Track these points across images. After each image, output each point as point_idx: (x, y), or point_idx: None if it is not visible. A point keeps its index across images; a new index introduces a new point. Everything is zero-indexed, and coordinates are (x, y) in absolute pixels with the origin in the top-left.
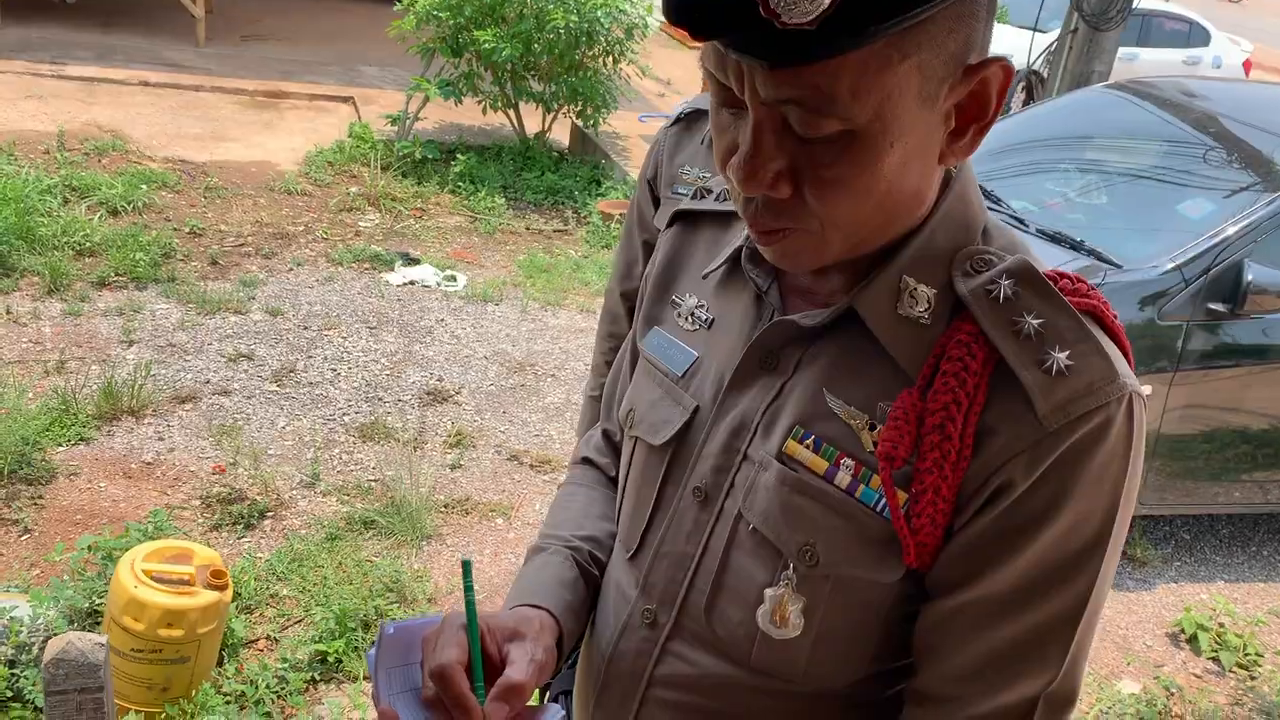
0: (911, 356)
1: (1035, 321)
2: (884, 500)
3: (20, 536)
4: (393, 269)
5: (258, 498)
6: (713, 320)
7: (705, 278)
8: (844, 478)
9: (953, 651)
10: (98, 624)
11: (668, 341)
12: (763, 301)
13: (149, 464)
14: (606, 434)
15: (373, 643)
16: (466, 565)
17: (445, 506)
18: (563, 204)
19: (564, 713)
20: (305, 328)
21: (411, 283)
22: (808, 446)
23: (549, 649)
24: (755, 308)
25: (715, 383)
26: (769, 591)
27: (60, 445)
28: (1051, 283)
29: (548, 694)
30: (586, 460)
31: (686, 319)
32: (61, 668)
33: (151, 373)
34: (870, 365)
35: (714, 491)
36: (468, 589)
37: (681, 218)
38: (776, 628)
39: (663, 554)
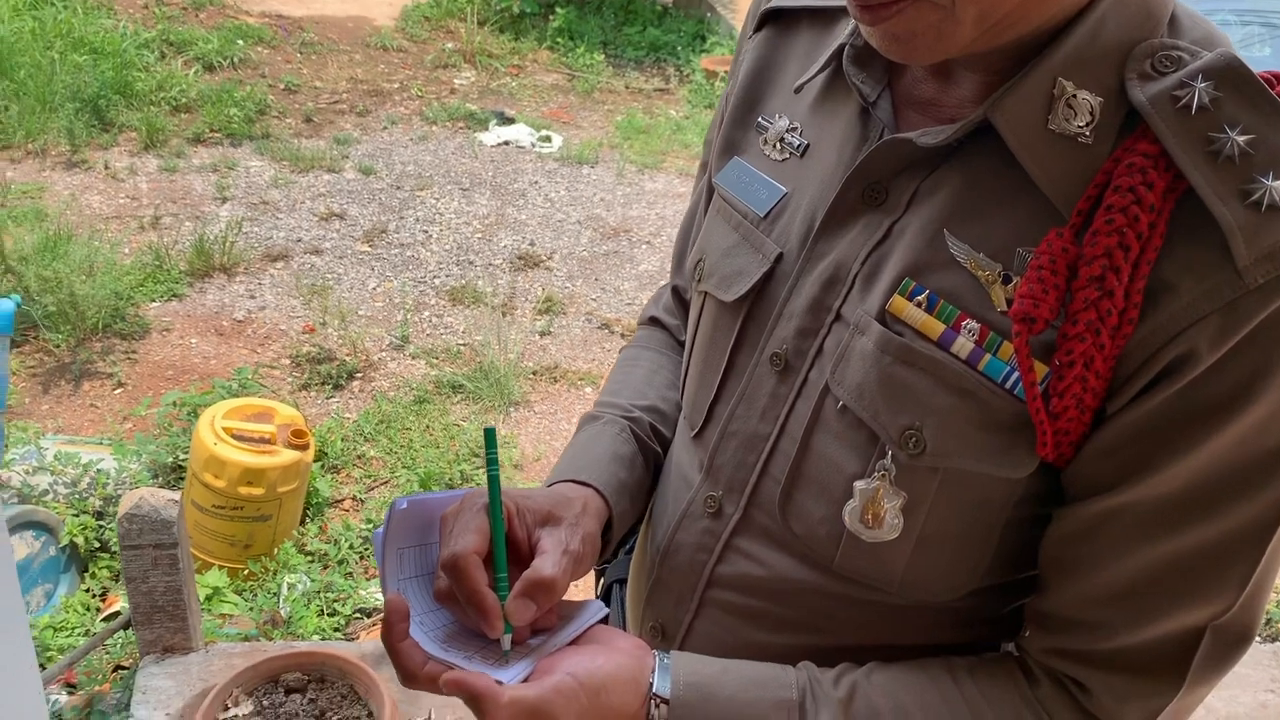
0: (1064, 186)
1: (1241, 139)
2: (1016, 374)
3: (113, 390)
4: (487, 128)
5: (347, 358)
6: (806, 147)
7: (799, 91)
8: (964, 345)
9: (1097, 567)
10: (182, 479)
11: (749, 174)
12: (870, 117)
13: (240, 322)
14: (676, 291)
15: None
16: (489, 433)
17: (533, 373)
18: (665, 61)
19: (606, 611)
20: (398, 188)
21: (506, 143)
22: (919, 304)
23: (589, 537)
24: (860, 126)
25: (805, 224)
26: (860, 485)
27: (153, 301)
28: (1268, 86)
29: (601, 582)
30: (653, 321)
31: (774, 146)
32: (135, 523)
33: (244, 230)
34: (1008, 199)
35: (796, 360)
36: (490, 462)
37: (774, 18)
38: (868, 528)
39: (731, 432)
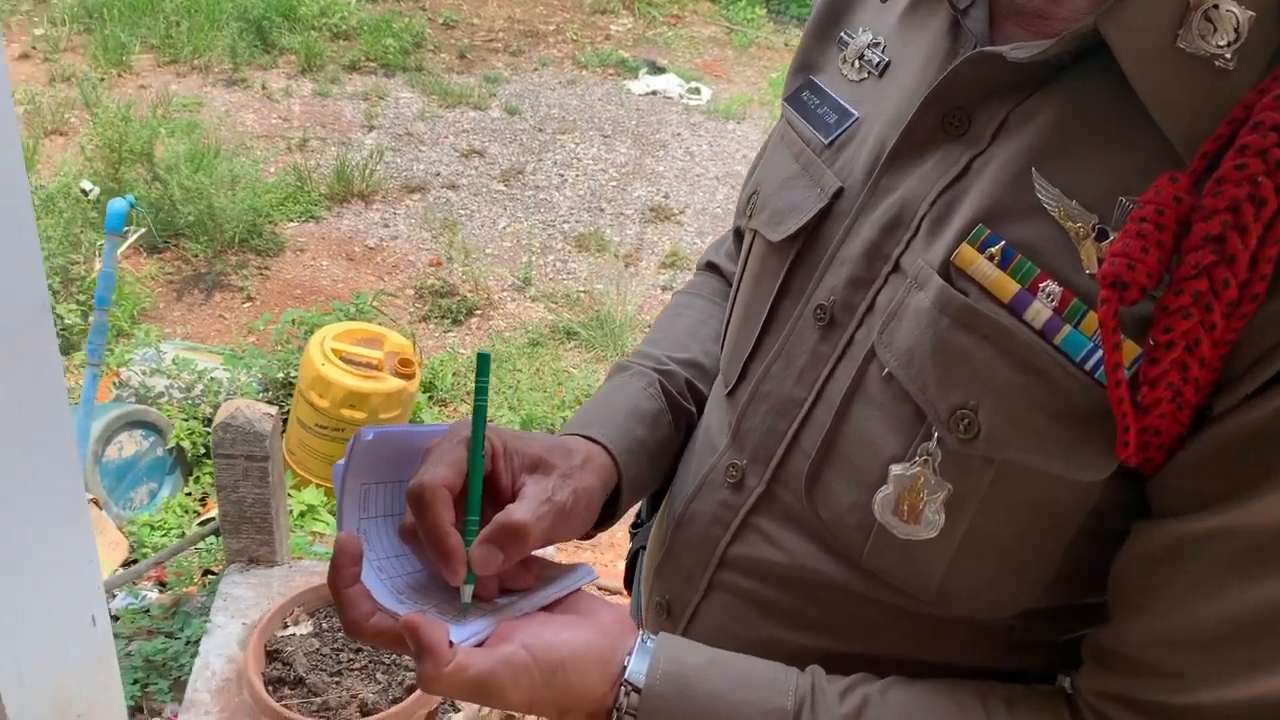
0: (1188, 121)
1: None
2: (1099, 352)
3: (242, 303)
4: (637, 77)
5: (468, 295)
6: (886, 65)
7: (886, 1)
8: (1040, 311)
9: (1178, 602)
10: (291, 395)
11: (820, 96)
12: (960, 30)
13: (371, 249)
14: (739, 234)
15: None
16: (482, 359)
17: (649, 326)
18: None
19: (593, 577)
20: (540, 130)
21: (653, 93)
22: (991, 257)
23: (584, 493)
24: (948, 40)
25: (872, 154)
26: (896, 469)
27: (291, 220)
28: None
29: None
30: (710, 267)
31: (852, 65)
32: (229, 432)
33: (386, 159)
34: (1114, 136)
35: (843, 314)
36: (479, 391)
37: None
38: (902, 522)
39: (763, 394)
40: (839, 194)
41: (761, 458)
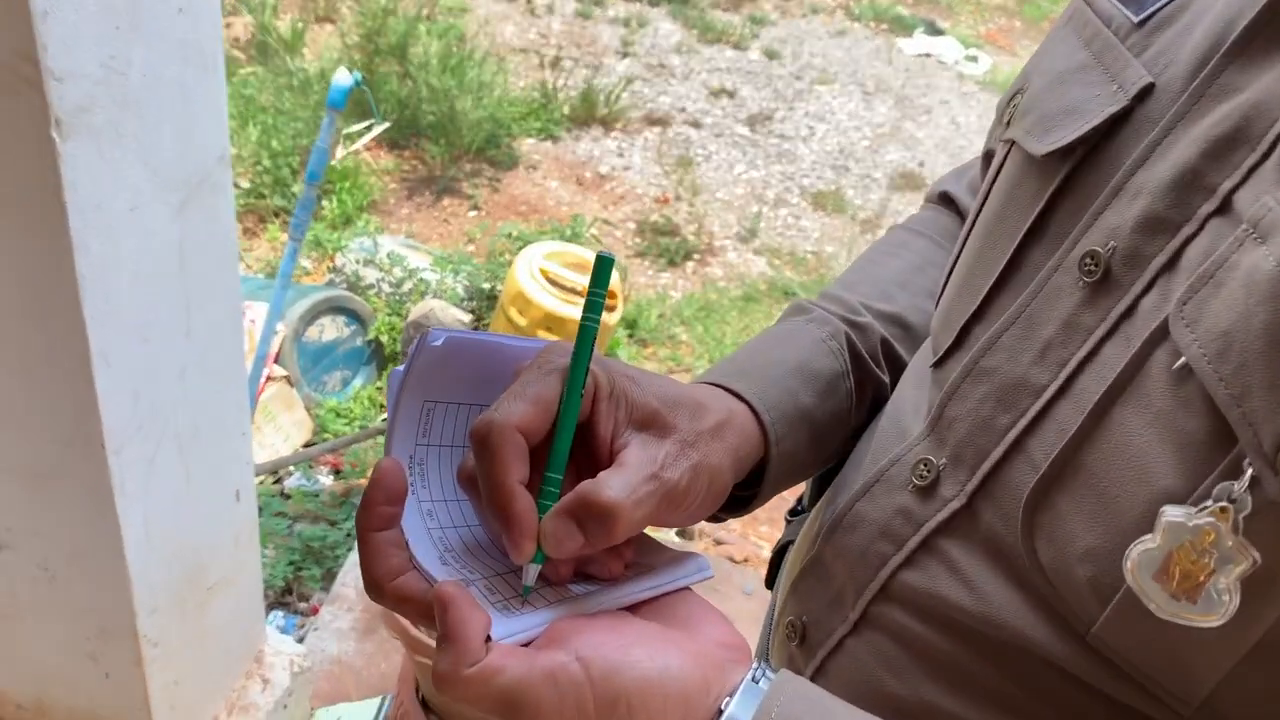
0: None
1: None
2: None
3: (468, 211)
4: (911, 36)
5: (690, 237)
6: None
7: None
8: None
9: None
10: (494, 307)
11: None
12: None
13: (601, 176)
14: (989, 158)
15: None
16: (604, 262)
17: None
18: None
19: (708, 573)
20: (797, 77)
21: (927, 55)
22: None
23: (709, 470)
24: None
25: (1207, 41)
26: (1173, 514)
27: (529, 137)
28: None
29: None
30: (944, 199)
31: None
32: (419, 330)
33: (633, 88)
34: None
35: (1124, 269)
36: (591, 304)
37: None
38: (1168, 595)
39: (985, 370)
40: (1146, 93)
41: (968, 459)
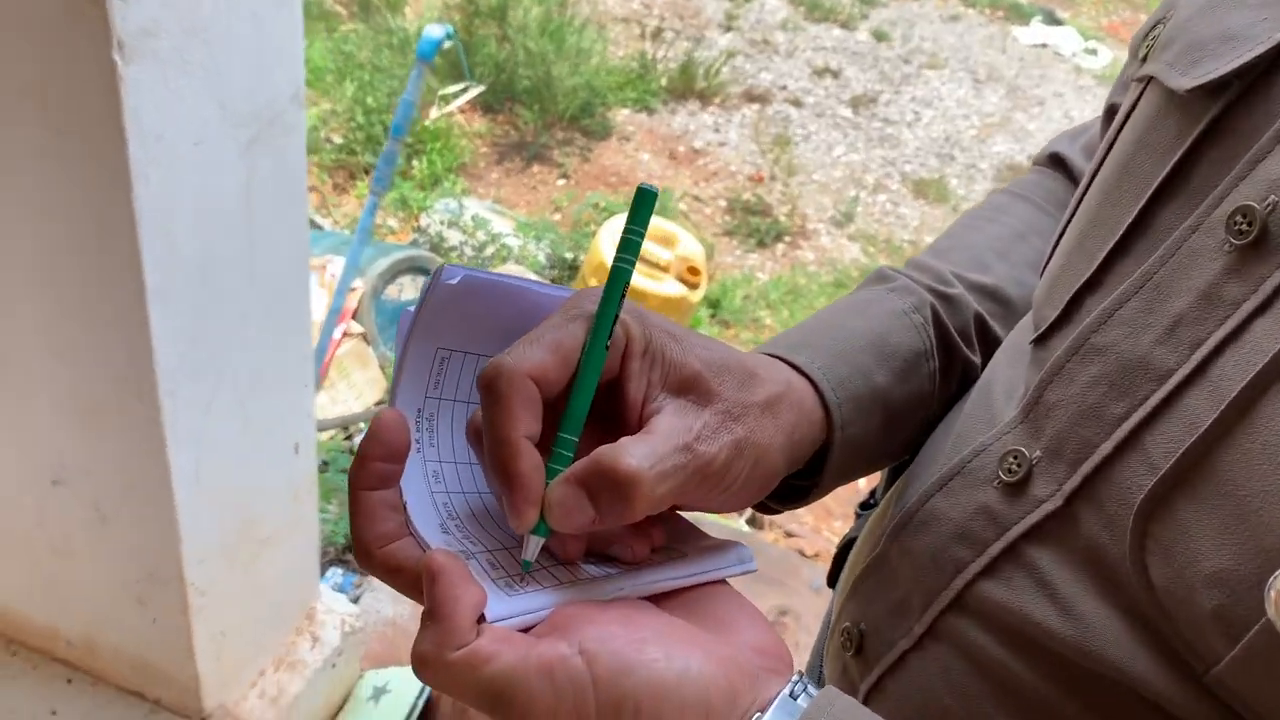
0: None
1: None
2: None
3: (557, 179)
4: (1028, 25)
5: (782, 218)
6: None
7: None
8: None
9: None
10: (574, 277)
11: None
12: None
13: (695, 151)
14: (1112, 114)
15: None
16: (646, 195)
17: None
18: None
19: (750, 565)
20: (906, 61)
21: (1043, 45)
22: None
23: (750, 447)
24: None
25: None
26: None
27: (624, 107)
28: None
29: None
30: (1055, 161)
31: None
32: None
33: (734, 63)
34: None
35: None
36: (625, 243)
37: None
38: None
39: (1097, 348)
40: None
41: (1068, 453)
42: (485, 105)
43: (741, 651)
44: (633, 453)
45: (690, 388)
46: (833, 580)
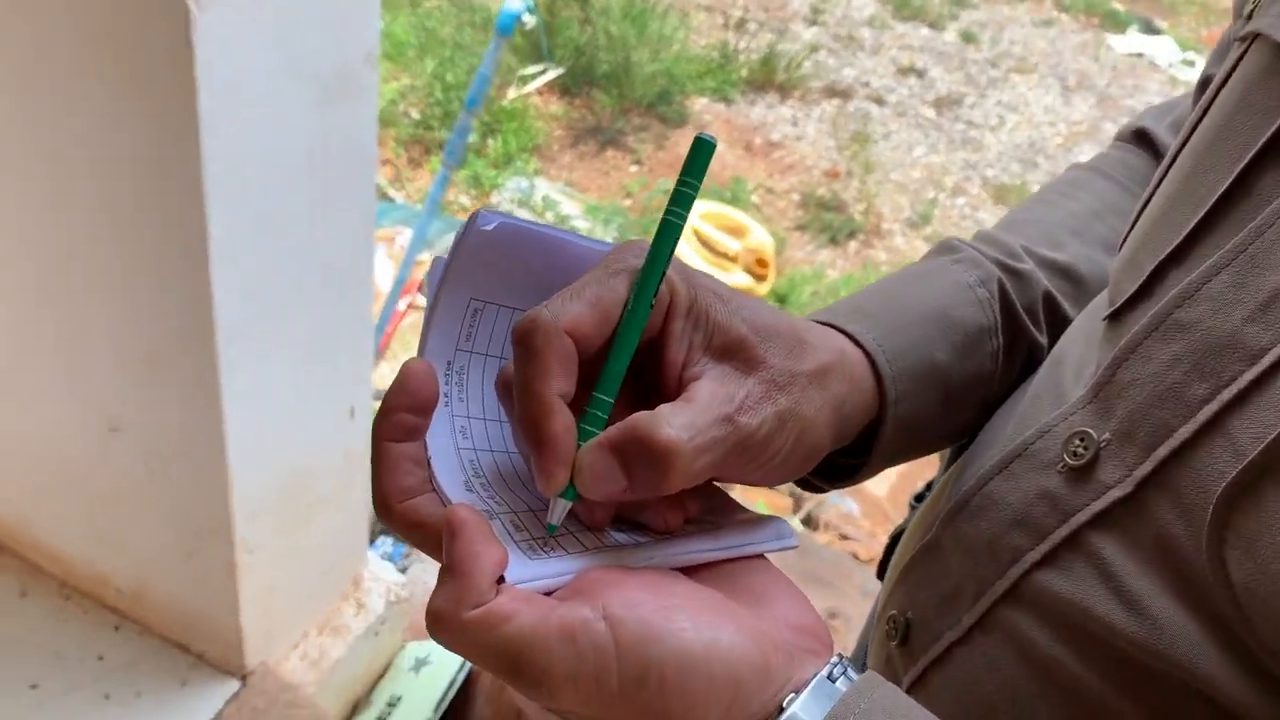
0: None
1: None
2: None
3: (630, 165)
4: (1124, 33)
5: (857, 216)
6: None
7: None
8: None
9: None
10: None
11: None
12: None
13: (771, 143)
14: (1205, 86)
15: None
16: (705, 146)
17: None
18: None
19: (790, 540)
20: (993, 64)
21: (1138, 55)
22: None
23: (794, 420)
24: None
25: None
26: None
27: (703, 96)
28: None
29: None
30: (1139, 137)
31: None
32: None
33: (816, 57)
34: None
35: None
36: (678, 195)
37: None
38: None
39: (1181, 324)
40: None
41: (1141, 436)
42: (563, 88)
43: (777, 628)
44: (671, 422)
45: (734, 353)
46: (882, 572)
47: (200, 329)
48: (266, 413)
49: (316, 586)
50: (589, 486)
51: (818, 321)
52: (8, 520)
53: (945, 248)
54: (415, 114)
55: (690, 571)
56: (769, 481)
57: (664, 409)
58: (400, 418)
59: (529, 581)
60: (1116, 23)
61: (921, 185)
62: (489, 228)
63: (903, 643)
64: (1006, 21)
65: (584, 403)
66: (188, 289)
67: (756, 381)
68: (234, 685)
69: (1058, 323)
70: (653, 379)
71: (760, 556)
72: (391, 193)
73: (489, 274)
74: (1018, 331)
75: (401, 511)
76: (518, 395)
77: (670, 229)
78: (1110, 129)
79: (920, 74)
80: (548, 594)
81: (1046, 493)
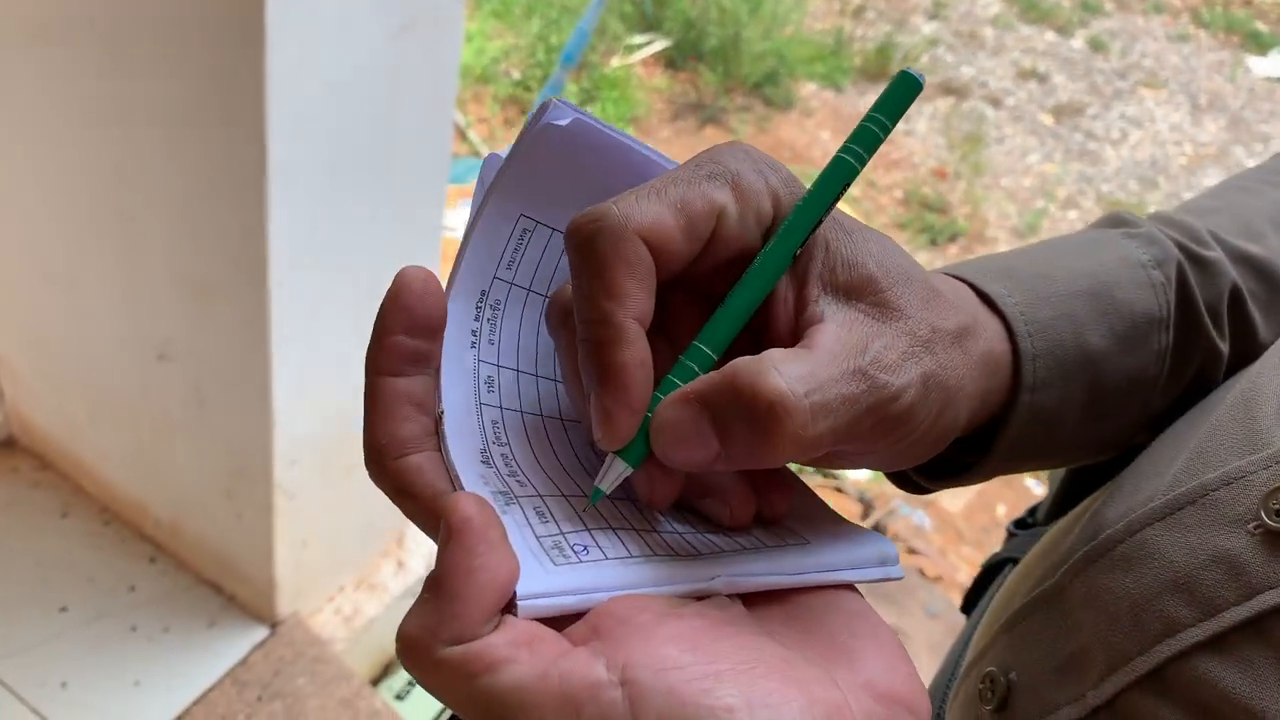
0: None
1: None
2: None
3: None
4: (1264, 55)
5: (961, 219)
6: None
7: None
8: None
9: None
10: None
11: None
12: None
13: None
14: None
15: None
16: (908, 80)
17: None
18: None
19: (896, 571)
20: (1121, 76)
21: (1279, 80)
22: None
23: (938, 385)
24: None
25: None
26: None
27: (812, 81)
28: None
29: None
30: None
31: None
32: None
33: (934, 52)
34: None
35: None
36: (862, 132)
37: None
38: None
39: None
40: None
41: None
42: (668, 60)
43: (859, 697)
44: (785, 370)
45: (862, 292)
46: (969, 606)
47: (254, 259)
48: (316, 355)
49: (356, 541)
50: (667, 448)
51: (953, 274)
52: (55, 438)
53: (1114, 219)
54: (516, 74)
55: (753, 600)
56: (889, 465)
57: (774, 353)
58: (396, 342)
59: (545, 598)
60: (1259, 44)
61: (1031, 194)
62: (563, 123)
63: (1000, 708)
64: (1139, 33)
65: (661, 348)
66: (244, 215)
67: (896, 332)
68: (262, 632)
69: (1241, 327)
70: (753, 324)
71: (850, 587)
72: (484, 150)
73: (549, 185)
74: (1194, 330)
75: (394, 471)
76: (579, 317)
77: (842, 168)
78: (1240, 153)
79: (1042, 79)
80: (572, 617)
81: (1226, 557)
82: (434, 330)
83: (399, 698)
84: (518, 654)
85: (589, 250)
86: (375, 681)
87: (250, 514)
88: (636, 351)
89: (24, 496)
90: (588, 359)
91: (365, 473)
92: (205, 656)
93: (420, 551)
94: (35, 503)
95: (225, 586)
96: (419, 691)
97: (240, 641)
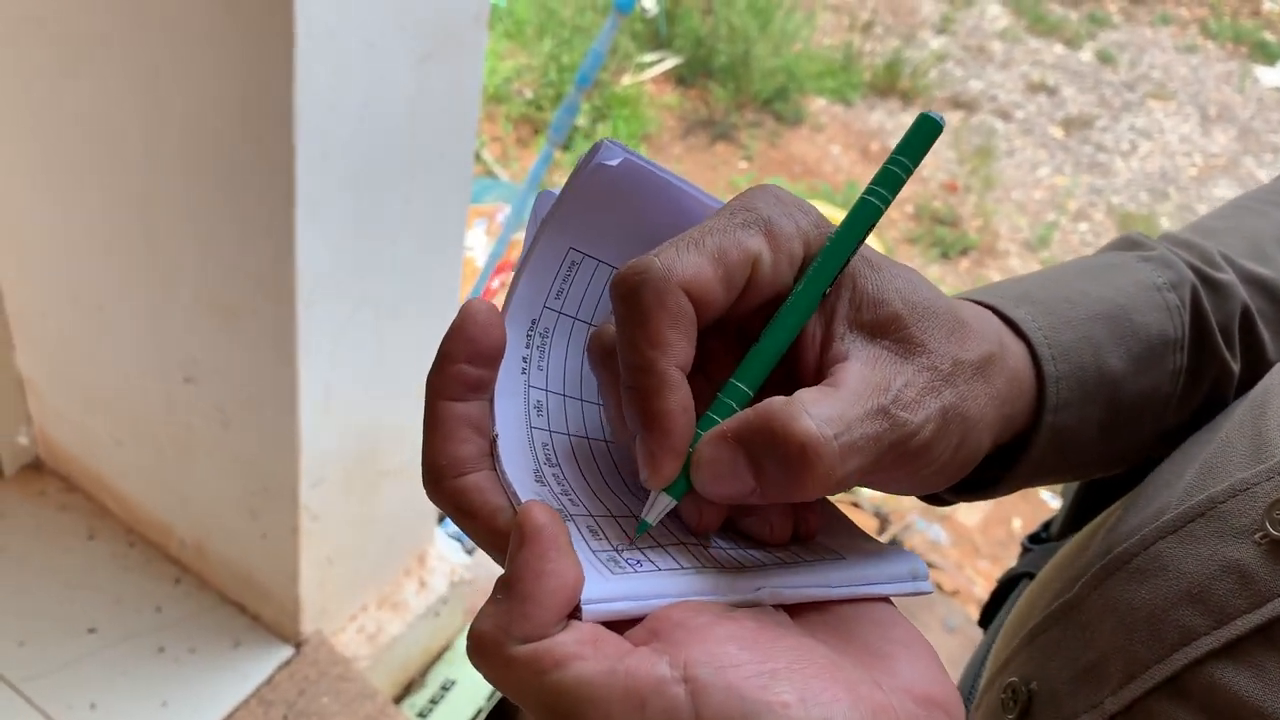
0: None
1: None
2: None
3: (740, 161)
4: (1273, 65)
5: (971, 232)
6: None
7: None
8: None
9: None
10: None
11: None
12: None
13: (889, 150)
14: None
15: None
16: (929, 123)
17: None
18: None
19: (926, 585)
20: (1129, 88)
21: None
22: None
23: (957, 418)
24: None
25: None
26: None
27: (822, 97)
28: None
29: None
30: None
31: None
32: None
33: (943, 66)
34: None
35: None
36: (885, 175)
37: None
38: None
39: None
40: None
41: None
42: (679, 77)
43: (898, 699)
44: (814, 412)
45: (887, 330)
46: (987, 620)
47: (281, 281)
48: (341, 376)
49: (379, 560)
50: (707, 484)
51: (973, 300)
52: (81, 460)
53: (1129, 242)
54: (528, 93)
55: (796, 610)
56: (915, 491)
57: (803, 394)
58: (459, 370)
59: (605, 603)
60: (1267, 54)
61: (1042, 207)
62: (613, 163)
63: (1022, 717)
64: (1147, 44)
65: (699, 384)
66: (272, 238)
67: (918, 369)
68: (287, 651)
69: (1252, 347)
70: (783, 358)
71: (884, 599)
72: (497, 170)
73: (598, 221)
74: (1206, 351)
75: (452, 490)
76: (624, 364)
77: (867, 210)
78: (1250, 164)
79: (1051, 92)
80: (630, 622)
81: (1236, 566)
82: (494, 360)
83: (421, 715)
84: (585, 651)
85: (634, 301)
86: (398, 700)
87: (275, 534)
88: (680, 398)
89: (51, 519)
90: (632, 404)
91: (388, 491)
92: (231, 677)
93: (442, 569)
94: (62, 525)
95: (250, 606)
96: (441, 709)
97: (265, 661)
